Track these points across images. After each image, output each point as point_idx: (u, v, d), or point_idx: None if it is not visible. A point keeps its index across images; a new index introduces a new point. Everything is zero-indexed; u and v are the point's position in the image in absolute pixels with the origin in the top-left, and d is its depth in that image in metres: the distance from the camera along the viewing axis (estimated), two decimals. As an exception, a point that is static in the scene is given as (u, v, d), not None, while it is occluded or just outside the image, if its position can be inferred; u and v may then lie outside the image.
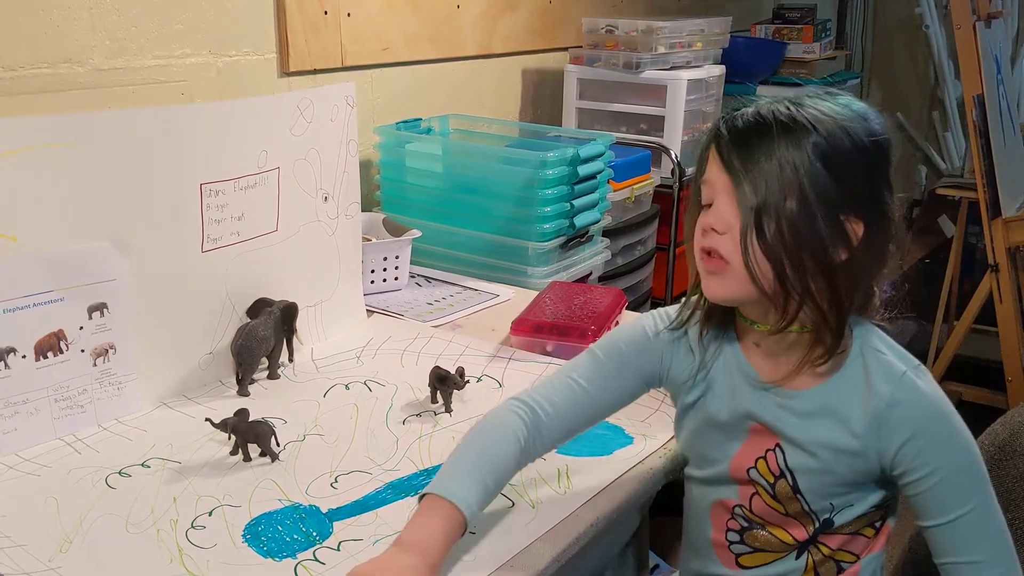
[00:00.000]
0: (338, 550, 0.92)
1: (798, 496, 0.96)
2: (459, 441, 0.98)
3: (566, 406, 1.00)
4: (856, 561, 0.99)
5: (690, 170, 1.82)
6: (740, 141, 0.90)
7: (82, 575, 0.88)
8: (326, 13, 1.72)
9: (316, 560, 0.91)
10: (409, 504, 1.00)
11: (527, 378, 1.29)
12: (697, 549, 1.07)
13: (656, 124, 2.24)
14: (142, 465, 1.07)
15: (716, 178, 0.92)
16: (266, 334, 1.27)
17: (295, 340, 1.34)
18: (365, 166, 1.76)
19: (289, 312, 1.31)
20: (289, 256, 1.34)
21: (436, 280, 1.74)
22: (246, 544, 0.93)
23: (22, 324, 1.07)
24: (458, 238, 1.77)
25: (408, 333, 1.47)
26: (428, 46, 1.99)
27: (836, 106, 0.91)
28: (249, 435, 1.09)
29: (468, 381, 1.23)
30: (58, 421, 1.12)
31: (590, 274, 1.88)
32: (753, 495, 0.99)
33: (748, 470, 0.98)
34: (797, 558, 0.99)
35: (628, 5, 2.64)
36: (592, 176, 1.78)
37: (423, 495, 0.90)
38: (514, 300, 1.62)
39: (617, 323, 1.45)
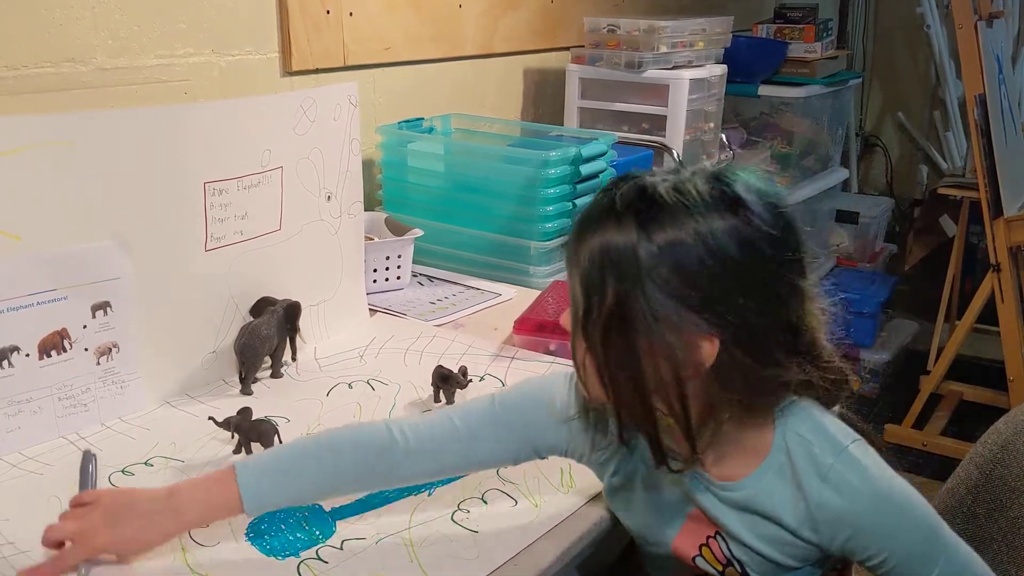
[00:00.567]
0: (341, 549, 0.92)
1: None
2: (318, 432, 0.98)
3: (430, 440, 0.94)
4: None
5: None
6: (575, 225, 0.82)
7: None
8: (328, 13, 1.72)
9: (319, 559, 0.91)
10: (412, 502, 1.00)
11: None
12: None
13: (658, 123, 2.23)
14: (145, 464, 1.08)
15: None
16: (269, 333, 1.27)
17: (298, 339, 1.34)
18: (367, 165, 1.77)
19: (292, 311, 1.31)
20: (292, 255, 1.34)
21: (438, 279, 1.74)
22: (249, 542, 0.93)
23: (25, 323, 1.07)
24: (460, 237, 1.77)
25: (411, 332, 1.47)
26: (430, 46, 1.99)
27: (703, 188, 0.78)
28: (252, 434, 1.09)
29: (471, 380, 1.24)
30: (61, 420, 1.12)
31: (592, 273, 1.87)
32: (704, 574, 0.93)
33: (694, 558, 0.92)
34: None
35: (630, 4, 2.64)
36: (594, 175, 1.78)
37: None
38: (516, 299, 1.62)
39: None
